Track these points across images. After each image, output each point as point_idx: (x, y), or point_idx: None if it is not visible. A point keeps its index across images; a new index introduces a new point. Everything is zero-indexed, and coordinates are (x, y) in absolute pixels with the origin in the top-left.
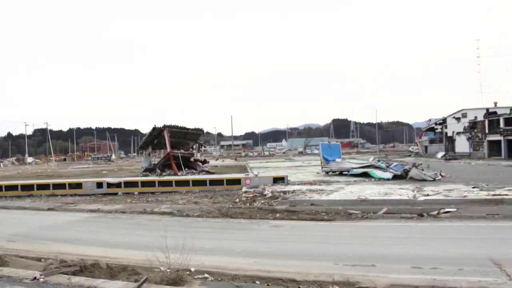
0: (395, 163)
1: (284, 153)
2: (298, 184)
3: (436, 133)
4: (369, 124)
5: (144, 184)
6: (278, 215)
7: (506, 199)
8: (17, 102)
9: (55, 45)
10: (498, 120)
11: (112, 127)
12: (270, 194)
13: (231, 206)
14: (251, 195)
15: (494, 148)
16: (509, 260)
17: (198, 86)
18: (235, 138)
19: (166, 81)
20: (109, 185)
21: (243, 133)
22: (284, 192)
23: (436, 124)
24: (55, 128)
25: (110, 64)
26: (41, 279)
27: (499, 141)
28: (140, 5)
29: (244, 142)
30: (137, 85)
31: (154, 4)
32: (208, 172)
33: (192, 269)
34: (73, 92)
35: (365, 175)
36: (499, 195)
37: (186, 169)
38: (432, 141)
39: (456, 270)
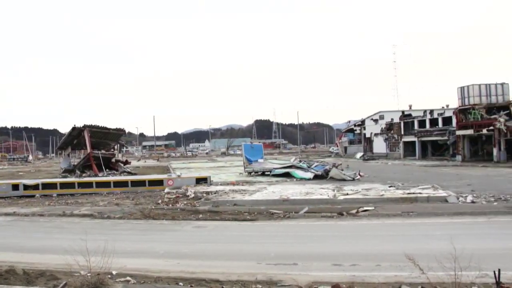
0: (316, 164)
1: (207, 153)
2: (221, 185)
3: (355, 134)
4: (291, 125)
5: (63, 185)
6: (201, 215)
7: (420, 197)
8: None
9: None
10: (412, 122)
11: (30, 127)
12: (193, 195)
13: (153, 207)
14: (174, 196)
15: (409, 148)
16: (423, 255)
17: (119, 86)
18: (158, 138)
19: (84, 81)
20: (26, 187)
21: (165, 134)
22: (207, 193)
23: (355, 125)
24: None
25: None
26: None
27: (414, 142)
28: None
29: (166, 142)
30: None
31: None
32: (130, 173)
33: (114, 272)
34: None
35: (287, 175)
36: (413, 193)
37: (107, 170)
38: (351, 142)
39: (374, 266)
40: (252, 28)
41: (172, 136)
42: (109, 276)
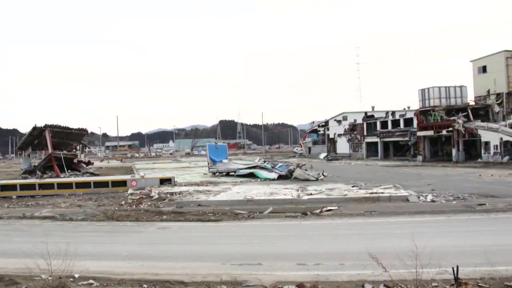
0: (280, 164)
1: (171, 154)
2: (185, 185)
3: (319, 134)
4: (255, 125)
5: (23, 187)
6: (165, 216)
7: (382, 197)
8: None
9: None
10: (375, 123)
11: None
12: (157, 196)
13: (116, 208)
14: (138, 197)
15: (372, 149)
16: (385, 253)
17: (80, 84)
18: (121, 139)
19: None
20: None
21: (129, 134)
22: (171, 194)
23: (319, 126)
24: None
25: None
26: None
27: (376, 143)
28: None
29: (130, 143)
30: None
31: None
32: (93, 174)
33: (76, 276)
34: None
35: (252, 175)
36: (376, 193)
37: (69, 171)
38: (315, 143)
39: (338, 265)
40: (217, 28)
41: (136, 136)
42: (71, 279)
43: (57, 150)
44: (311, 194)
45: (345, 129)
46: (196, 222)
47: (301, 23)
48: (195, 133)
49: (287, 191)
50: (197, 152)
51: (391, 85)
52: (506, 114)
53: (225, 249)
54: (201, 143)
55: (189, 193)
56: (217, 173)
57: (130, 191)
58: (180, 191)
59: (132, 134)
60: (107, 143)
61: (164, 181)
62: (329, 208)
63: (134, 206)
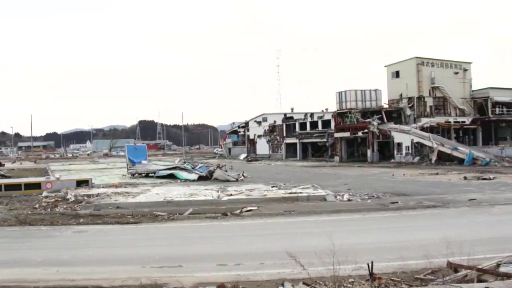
0: (200, 165)
1: (88, 155)
2: (103, 187)
3: (239, 135)
4: (175, 126)
5: None
6: (82, 220)
7: (300, 197)
8: None
9: None
10: (294, 125)
11: None
12: (73, 198)
13: (30, 212)
14: (53, 200)
15: (291, 150)
16: (303, 252)
17: None
18: (35, 139)
19: None
20: None
21: (44, 134)
22: (88, 196)
23: (239, 127)
24: None
25: None
26: None
27: (295, 144)
28: None
29: (45, 143)
30: None
31: None
32: (4, 176)
33: None
34: None
35: (172, 176)
36: (294, 193)
37: None
38: (235, 144)
39: (258, 264)
40: (139, 25)
41: (52, 136)
42: None
43: None
44: (231, 194)
45: (265, 130)
46: (114, 225)
47: (222, 25)
48: (113, 134)
49: (207, 192)
50: (116, 153)
51: (311, 88)
52: (417, 117)
53: (144, 252)
54: (120, 143)
55: (107, 195)
56: (136, 175)
57: (44, 193)
58: (98, 193)
59: (47, 134)
60: (20, 144)
61: (81, 183)
62: (249, 208)
63: (49, 210)
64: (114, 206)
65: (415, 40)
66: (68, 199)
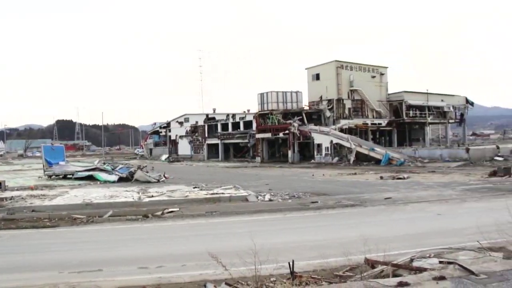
0: (121, 166)
1: (1, 156)
2: (17, 190)
3: (161, 136)
4: (95, 126)
5: None
6: None
7: (222, 197)
8: None
9: None
10: (216, 125)
11: None
12: None
13: None
14: None
15: (213, 150)
16: (225, 253)
17: None
18: None
19: None
20: None
21: None
22: (1, 199)
23: (160, 127)
24: None
25: None
26: None
27: (217, 145)
28: None
29: None
30: None
31: None
32: None
33: None
34: None
35: (91, 178)
36: (216, 194)
37: None
38: (157, 144)
39: (180, 266)
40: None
41: None
42: None
43: None
44: (152, 196)
45: (187, 130)
46: (30, 229)
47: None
48: (29, 133)
49: (128, 194)
50: (32, 153)
51: (234, 90)
52: (336, 118)
53: (62, 257)
54: (36, 144)
55: (22, 198)
56: (54, 176)
57: None
58: (12, 196)
59: None
60: None
61: None
62: (170, 210)
63: None
64: (29, 209)
65: (337, 46)
66: None
